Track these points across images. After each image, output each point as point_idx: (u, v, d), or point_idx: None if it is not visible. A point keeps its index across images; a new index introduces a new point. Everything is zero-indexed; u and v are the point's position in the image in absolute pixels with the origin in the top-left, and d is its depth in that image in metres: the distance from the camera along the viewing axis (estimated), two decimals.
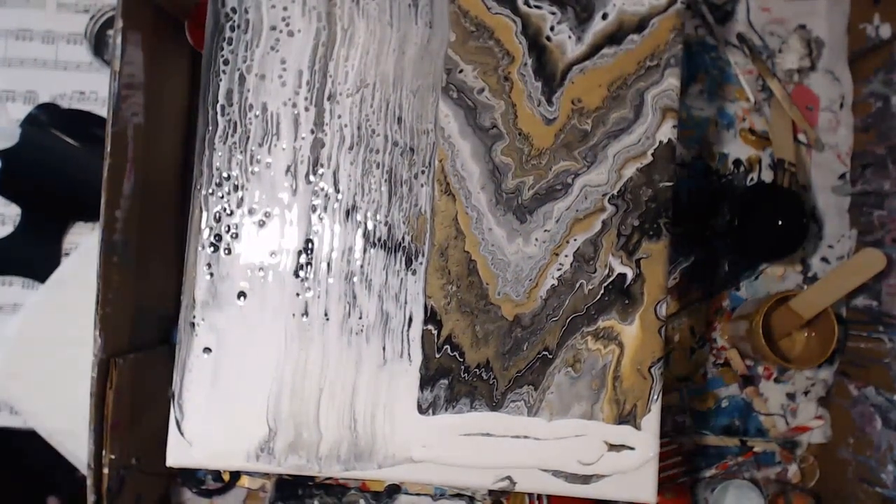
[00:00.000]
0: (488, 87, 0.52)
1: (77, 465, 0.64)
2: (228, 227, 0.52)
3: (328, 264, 0.51)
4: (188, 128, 0.65)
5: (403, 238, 0.52)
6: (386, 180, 0.52)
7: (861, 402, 0.62)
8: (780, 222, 0.62)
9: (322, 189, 0.52)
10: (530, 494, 0.61)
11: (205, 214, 0.52)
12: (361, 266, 0.51)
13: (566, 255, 0.51)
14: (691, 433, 0.65)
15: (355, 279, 0.51)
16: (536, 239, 0.51)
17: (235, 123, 0.52)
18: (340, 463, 0.51)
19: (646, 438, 0.50)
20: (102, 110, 0.67)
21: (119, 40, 0.52)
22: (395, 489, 0.65)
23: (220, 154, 0.52)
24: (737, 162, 0.67)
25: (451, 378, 0.51)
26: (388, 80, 0.52)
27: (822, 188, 0.67)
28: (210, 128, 0.52)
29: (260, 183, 0.52)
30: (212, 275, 0.51)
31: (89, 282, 0.52)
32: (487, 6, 0.52)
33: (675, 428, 0.65)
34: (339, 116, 0.52)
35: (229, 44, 0.52)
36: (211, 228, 0.52)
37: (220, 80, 0.52)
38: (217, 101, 0.52)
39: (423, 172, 0.52)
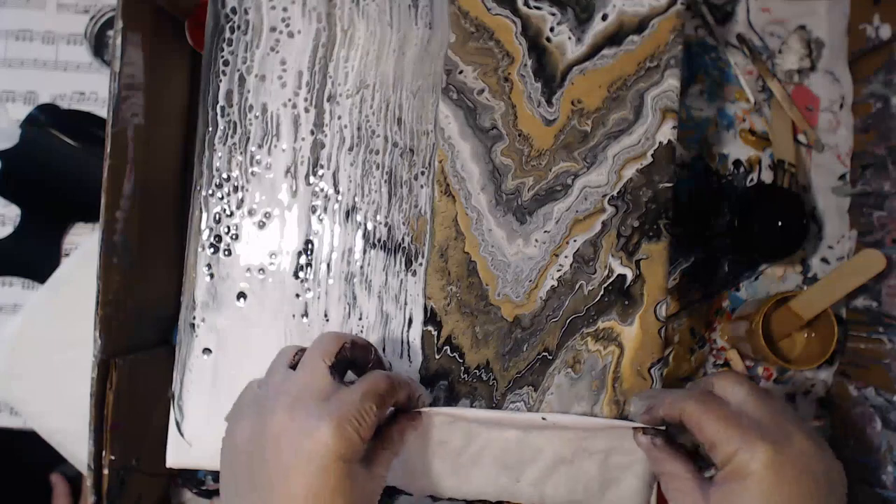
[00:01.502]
0: (488, 88, 0.52)
1: (77, 466, 0.64)
2: (228, 227, 0.52)
3: (328, 265, 0.51)
4: (188, 128, 0.65)
5: (403, 239, 0.52)
6: (386, 181, 0.52)
7: (861, 402, 0.62)
8: (780, 222, 0.62)
9: (322, 190, 0.52)
10: None
11: (205, 215, 0.52)
12: (361, 267, 0.51)
13: (566, 256, 0.51)
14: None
15: (355, 280, 0.51)
16: (536, 240, 0.51)
17: (235, 124, 0.52)
18: None
19: None
20: (102, 111, 0.67)
21: (119, 41, 0.52)
22: (395, 489, 0.65)
23: (219, 155, 0.52)
24: (737, 162, 0.67)
25: (450, 379, 0.51)
26: (387, 81, 0.52)
27: (822, 189, 0.67)
28: (210, 129, 0.52)
29: (260, 184, 0.52)
30: (212, 276, 0.51)
31: (89, 282, 0.52)
32: (487, 7, 0.52)
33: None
34: (339, 117, 0.52)
35: (229, 45, 0.52)
36: (211, 229, 0.52)
37: (220, 80, 0.52)
38: (217, 102, 0.52)
39: (423, 173, 0.52)
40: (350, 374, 0.45)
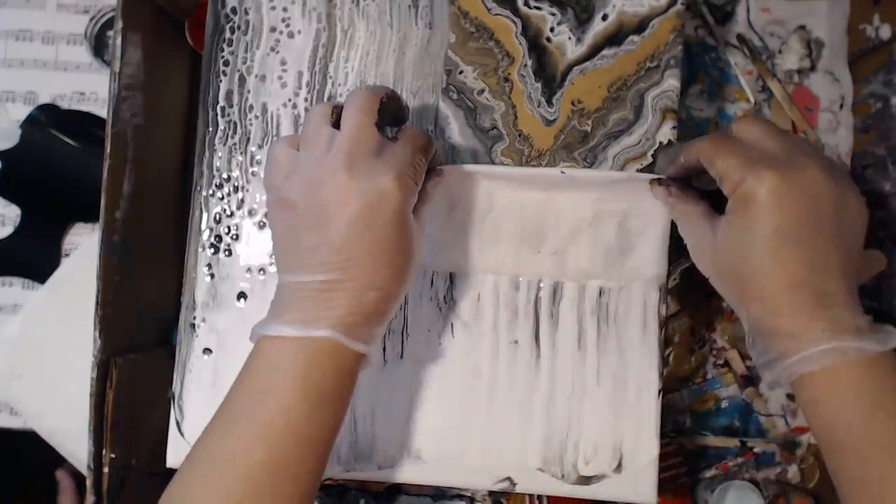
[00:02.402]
0: (488, 88, 0.52)
1: (77, 466, 0.64)
2: (228, 228, 0.52)
3: None
4: (188, 128, 0.65)
5: None
6: None
7: None
8: None
9: None
10: (530, 495, 0.61)
11: (205, 216, 0.52)
12: None
13: None
14: (691, 434, 0.65)
15: None
16: None
17: (235, 124, 0.52)
18: (340, 463, 0.51)
19: (646, 439, 0.50)
20: (102, 111, 0.67)
21: (119, 41, 0.52)
22: (395, 489, 0.65)
23: (220, 155, 0.52)
24: None
25: None
26: (388, 82, 0.52)
27: None
28: (210, 129, 0.52)
29: (260, 184, 0.52)
30: (212, 276, 0.51)
31: (89, 282, 0.52)
32: (487, 7, 0.52)
33: (676, 428, 0.65)
34: None
35: (229, 45, 0.52)
36: (211, 230, 0.52)
37: (220, 81, 0.52)
38: (217, 103, 0.52)
39: None
40: None
